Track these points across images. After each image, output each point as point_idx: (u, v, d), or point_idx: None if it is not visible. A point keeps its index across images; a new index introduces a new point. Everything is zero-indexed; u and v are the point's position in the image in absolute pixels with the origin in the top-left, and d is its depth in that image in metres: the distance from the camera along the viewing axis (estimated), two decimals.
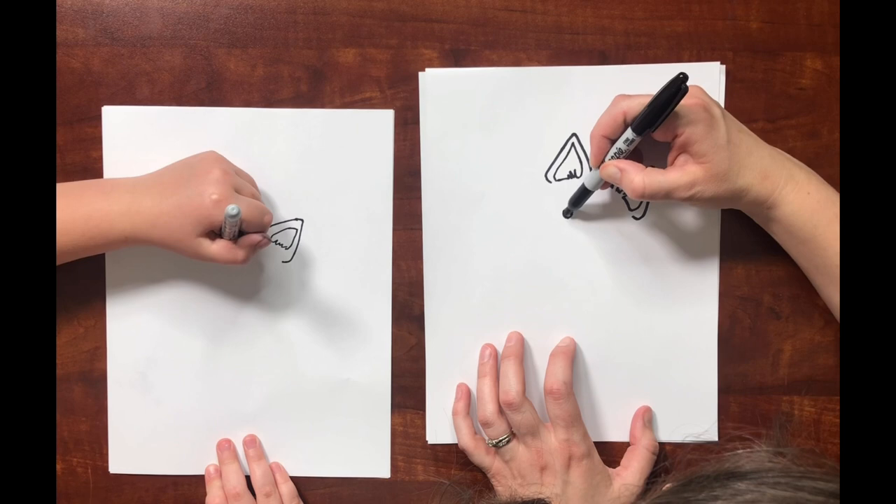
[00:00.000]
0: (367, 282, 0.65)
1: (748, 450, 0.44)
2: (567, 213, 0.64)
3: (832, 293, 0.59)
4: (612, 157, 0.59)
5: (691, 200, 0.57)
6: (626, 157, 0.59)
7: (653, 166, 0.58)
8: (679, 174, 0.57)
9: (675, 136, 0.57)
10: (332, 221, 0.65)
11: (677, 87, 0.54)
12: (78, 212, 0.58)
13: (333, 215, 0.65)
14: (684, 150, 0.57)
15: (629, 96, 0.58)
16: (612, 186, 0.63)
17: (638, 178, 0.57)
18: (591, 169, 0.61)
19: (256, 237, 0.59)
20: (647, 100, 0.56)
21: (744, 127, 0.59)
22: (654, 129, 0.56)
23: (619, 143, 0.58)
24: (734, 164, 0.56)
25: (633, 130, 0.57)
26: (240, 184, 0.60)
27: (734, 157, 0.56)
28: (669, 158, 0.59)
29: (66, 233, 0.58)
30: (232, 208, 0.54)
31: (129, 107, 0.64)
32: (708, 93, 0.57)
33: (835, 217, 0.57)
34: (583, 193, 0.62)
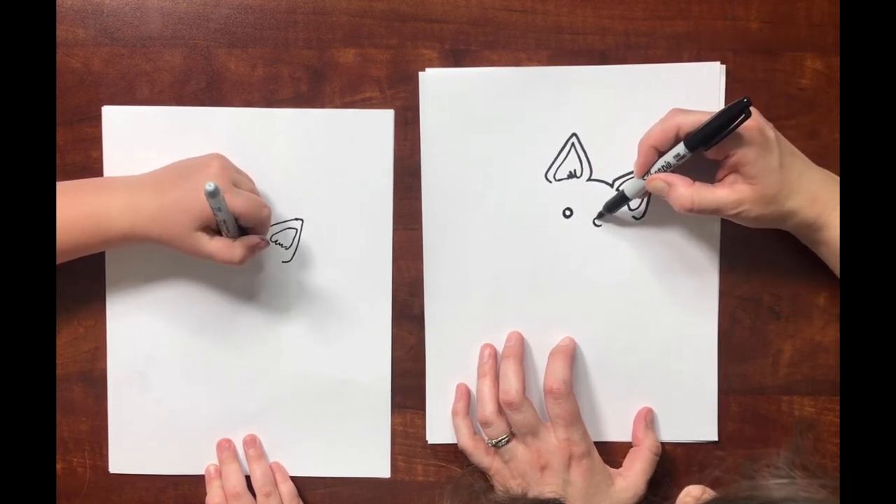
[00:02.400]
0: (367, 281, 0.65)
1: (781, 480, 0.43)
2: (599, 218, 0.64)
3: None
4: (658, 170, 0.59)
5: (737, 218, 0.58)
6: (673, 171, 0.59)
7: (698, 180, 0.58)
8: (727, 192, 0.57)
9: (727, 157, 0.56)
10: (332, 221, 0.65)
11: (740, 110, 0.53)
12: (77, 209, 0.58)
13: (333, 215, 0.65)
14: (735, 170, 0.57)
15: (685, 111, 0.58)
16: (648, 196, 0.63)
17: (686, 193, 0.57)
18: (629, 178, 0.61)
19: (255, 238, 0.59)
20: (704, 117, 0.56)
21: (795, 149, 0.59)
22: (707, 148, 0.56)
23: (669, 157, 0.58)
24: (784, 188, 0.56)
25: (686, 146, 0.56)
26: (238, 179, 0.60)
27: (785, 180, 0.56)
28: (719, 175, 0.58)
29: (64, 231, 0.58)
30: (209, 185, 0.52)
31: (129, 107, 0.64)
32: (759, 115, 0.56)
33: None
34: (621, 200, 0.62)
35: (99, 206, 0.58)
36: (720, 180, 0.58)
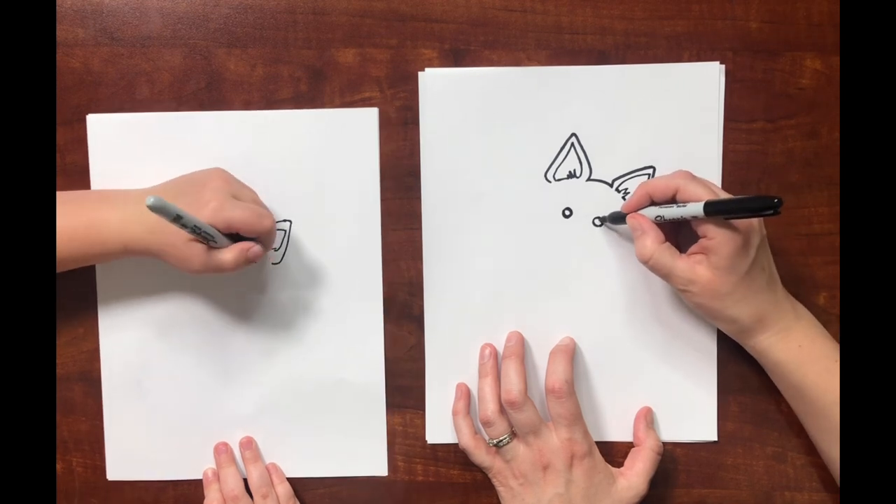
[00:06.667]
0: (357, 281, 0.65)
1: None
2: (601, 221, 0.64)
3: (822, 440, 0.59)
4: (653, 216, 0.59)
5: (682, 294, 0.58)
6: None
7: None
8: (685, 267, 0.57)
9: (707, 237, 0.56)
10: (321, 222, 0.65)
11: (771, 206, 0.50)
12: (79, 219, 0.58)
13: (322, 215, 0.65)
14: (705, 252, 0.56)
15: (692, 177, 0.57)
16: None
17: (650, 247, 0.57)
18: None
19: (247, 244, 0.58)
20: (705, 188, 0.56)
21: (772, 264, 0.58)
22: (711, 217, 0.54)
23: (665, 212, 0.58)
24: (737, 293, 0.56)
25: (704, 210, 0.54)
26: (240, 191, 0.60)
27: (740, 287, 0.56)
28: (690, 250, 0.58)
29: (67, 240, 0.58)
30: (149, 199, 0.47)
31: (113, 114, 0.64)
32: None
33: (826, 370, 0.57)
34: (619, 219, 0.62)
35: (100, 217, 0.58)
36: (688, 251, 0.58)
